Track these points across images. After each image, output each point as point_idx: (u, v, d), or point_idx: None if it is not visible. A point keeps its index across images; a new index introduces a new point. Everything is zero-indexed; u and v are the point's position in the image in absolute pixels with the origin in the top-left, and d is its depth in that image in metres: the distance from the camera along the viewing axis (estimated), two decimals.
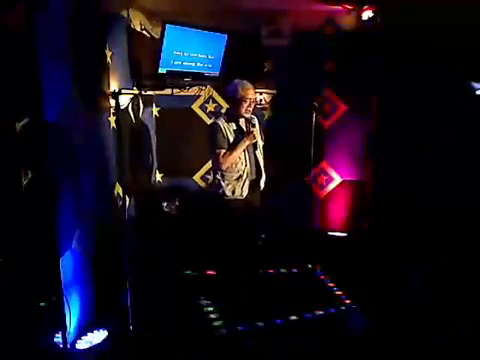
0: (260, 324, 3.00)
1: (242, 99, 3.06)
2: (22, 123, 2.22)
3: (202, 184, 4.49)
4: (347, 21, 4.06)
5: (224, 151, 3.05)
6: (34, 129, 2.24)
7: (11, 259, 2.27)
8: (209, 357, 2.64)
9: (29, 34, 2.15)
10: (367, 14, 3.85)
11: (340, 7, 3.91)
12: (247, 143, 3.08)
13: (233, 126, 3.14)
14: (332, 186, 4.51)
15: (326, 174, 4.50)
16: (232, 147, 3.06)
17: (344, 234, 4.44)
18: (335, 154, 4.43)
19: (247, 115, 3.13)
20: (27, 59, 2.15)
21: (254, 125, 3.15)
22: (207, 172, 4.45)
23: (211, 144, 3.10)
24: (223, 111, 4.30)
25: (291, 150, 4.20)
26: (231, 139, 3.08)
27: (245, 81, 3.13)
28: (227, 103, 3.29)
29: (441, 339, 2.70)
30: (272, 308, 3.19)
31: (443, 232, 3.73)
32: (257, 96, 4.28)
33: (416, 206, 3.95)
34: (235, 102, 3.10)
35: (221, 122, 3.10)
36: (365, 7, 3.84)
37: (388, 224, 4.05)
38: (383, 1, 3.76)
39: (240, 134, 3.12)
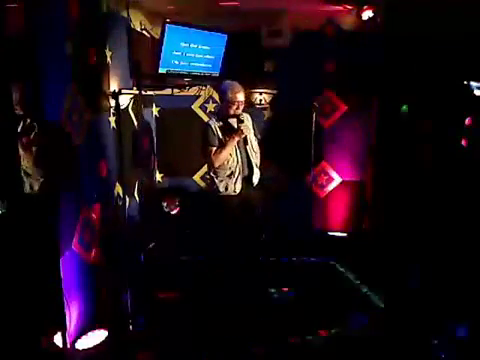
0: None
1: (230, 101, 3.15)
2: None
3: (202, 184, 4.49)
4: (347, 21, 4.07)
5: (215, 149, 3.14)
6: (34, 129, 2.24)
7: (11, 259, 2.27)
8: None
9: (29, 34, 2.15)
10: (367, 14, 3.86)
11: (340, 7, 3.92)
12: (236, 139, 3.15)
13: (223, 124, 3.21)
14: (332, 186, 4.51)
15: (326, 174, 4.49)
16: (222, 145, 3.14)
17: (344, 234, 4.44)
18: (335, 154, 4.42)
19: (236, 114, 3.19)
20: (27, 59, 2.15)
21: (242, 121, 3.14)
22: (207, 172, 4.45)
23: (203, 143, 3.20)
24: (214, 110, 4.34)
25: (291, 150, 4.20)
26: (221, 137, 3.16)
27: (235, 83, 3.20)
28: (219, 101, 3.36)
29: (440, 339, 2.70)
30: None
31: (443, 231, 3.72)
32: (257, 96, 4.31)
33: (416, 206, 3.95)
34: (224, 103, 3.21)
35: (212, 122, 3.21)
36: (365, 7, 3.85)
37: (388, 224, 4.04)
38: (383, 1, 3.76)
39: (230, 132, 3.18)
